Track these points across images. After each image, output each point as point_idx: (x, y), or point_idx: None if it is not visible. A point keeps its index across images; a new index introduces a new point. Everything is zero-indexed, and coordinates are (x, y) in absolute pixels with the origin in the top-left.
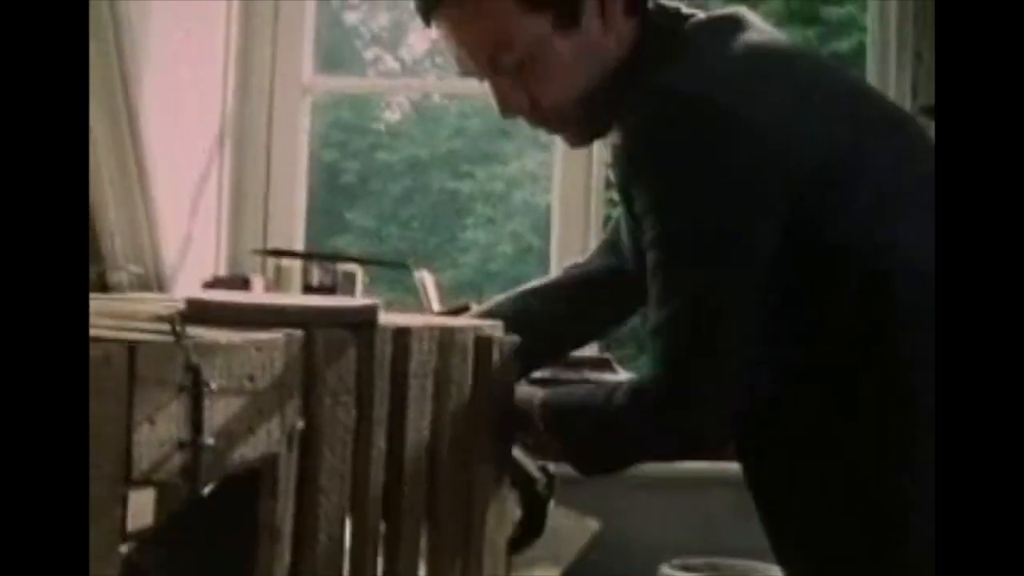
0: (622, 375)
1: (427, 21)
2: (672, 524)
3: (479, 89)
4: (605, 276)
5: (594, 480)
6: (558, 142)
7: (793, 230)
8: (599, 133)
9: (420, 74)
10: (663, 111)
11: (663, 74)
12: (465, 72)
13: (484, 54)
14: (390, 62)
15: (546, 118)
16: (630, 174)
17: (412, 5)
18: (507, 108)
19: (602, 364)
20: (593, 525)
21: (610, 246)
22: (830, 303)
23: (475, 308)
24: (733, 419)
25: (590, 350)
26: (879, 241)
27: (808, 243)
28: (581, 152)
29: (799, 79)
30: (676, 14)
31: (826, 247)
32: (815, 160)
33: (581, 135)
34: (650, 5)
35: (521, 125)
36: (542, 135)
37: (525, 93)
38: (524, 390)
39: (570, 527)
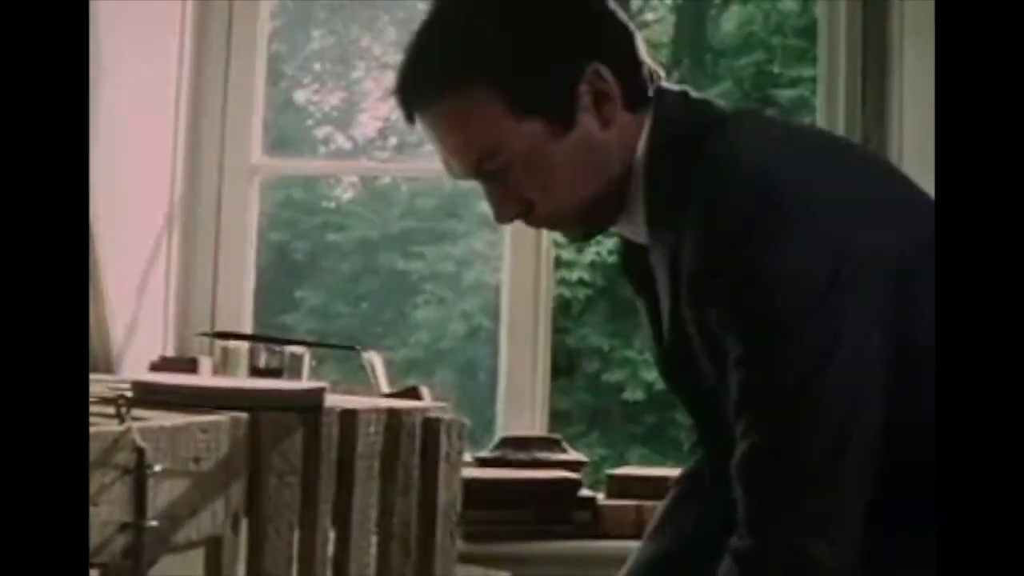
0: (572, 454)
1: (410, 119)
2: None
3: (429, 169)
4: None
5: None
6: None
7: (895, 326)
8: (603, 229)
9: (372, 153)
10: (746, 211)
11: (722, 174)
12: (453, 174)
13: (471, 158)
14: (342, 141)
15: (544, 222)
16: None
17: (363, 87)
18: (502, 214)
19: (551, 444)
20: None
21: None
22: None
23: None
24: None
25: (538, 429)
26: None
27: (905, 338)
28: (530, 232)
29: (857, 161)
30: (688, 103)
31: (915, 342)
32: (898, 247)
33: (584, 233)
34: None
35: (470, 204)
36: (492, 215)
37: (519, 198)
38: None
39: None
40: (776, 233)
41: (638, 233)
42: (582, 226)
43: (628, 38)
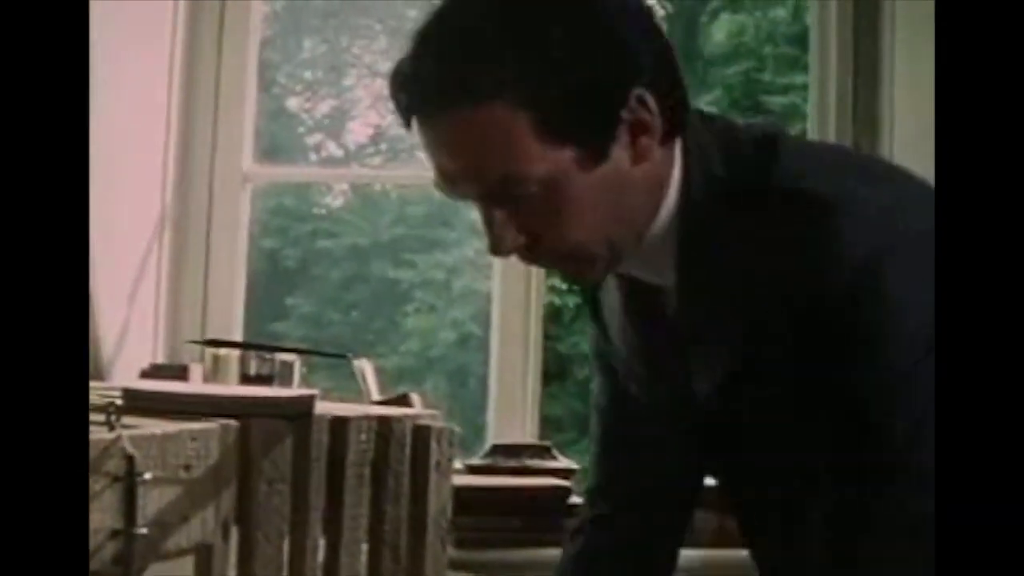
0: (562, 461)
1: (408, 122)
2: None
3: (420, 176)
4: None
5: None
6: None
7: None
8: (605, 276)
9: (363, 160)
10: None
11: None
12: (446, 191)
13: (485, 182)
14: (333, 148)
15: (545, 260)
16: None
17: (354, 95)
18: (501, 244)
19: (542, 451)
20: None
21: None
22: None
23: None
24: None
25: (529, 437)
26: None
27: None
28: None
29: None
30: (713, 128)
31: None
32: None
33: (584, 279)
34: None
35: (461, 212)
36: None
37: (526, 229)
38: None
39: None
40: (895, 284)
41: (657, 274)
42: (584, 270)
43: (672, 58)
